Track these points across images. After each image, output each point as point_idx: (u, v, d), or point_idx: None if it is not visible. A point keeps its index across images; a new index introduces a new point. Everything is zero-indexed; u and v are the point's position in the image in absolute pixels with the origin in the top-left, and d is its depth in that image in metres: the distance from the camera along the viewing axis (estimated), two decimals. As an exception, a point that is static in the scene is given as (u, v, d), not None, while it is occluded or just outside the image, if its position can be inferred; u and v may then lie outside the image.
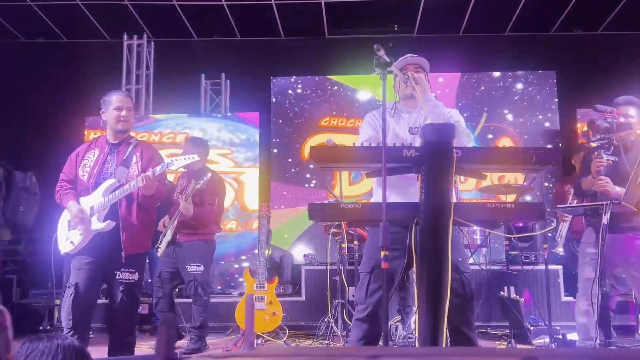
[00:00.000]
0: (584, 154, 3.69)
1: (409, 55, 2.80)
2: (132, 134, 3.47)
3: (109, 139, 3.23)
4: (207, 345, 4.49)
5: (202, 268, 4.33)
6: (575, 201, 4.90)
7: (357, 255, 4.80)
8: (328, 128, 7.17)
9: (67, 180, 3.19)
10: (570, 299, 5.17)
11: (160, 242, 4.40)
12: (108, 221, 3.03)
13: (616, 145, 3.17)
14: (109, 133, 3.23)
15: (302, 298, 5.67)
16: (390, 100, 2.85)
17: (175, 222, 4.31)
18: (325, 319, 4.71)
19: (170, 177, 5.00)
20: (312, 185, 7.02)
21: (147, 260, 4.60)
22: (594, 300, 3.19)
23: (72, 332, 2.95)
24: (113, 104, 3.18)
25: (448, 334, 2.52)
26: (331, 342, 4.49)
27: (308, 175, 7.07)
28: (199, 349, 4.34)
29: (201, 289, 4.34)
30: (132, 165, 3.14)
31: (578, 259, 3.54)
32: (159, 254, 4.43)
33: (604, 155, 3.14)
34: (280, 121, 7.25)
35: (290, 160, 7.15)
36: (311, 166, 7.01)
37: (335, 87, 7.27)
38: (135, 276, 3.09)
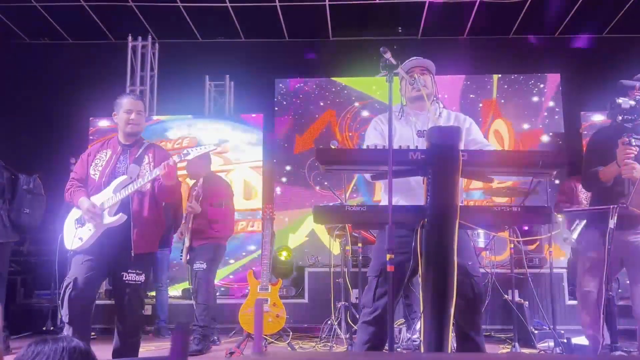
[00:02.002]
0: (596, 138, 3.13)
1: (415, 57, 2.79)
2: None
3: (121, 140, 3.24)
4: (210, 347, 4.50)
5: (204, 266, 4.50)
6: (583, 197, 4.77)
7: (360, 257, 4.79)
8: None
9: (77, 179, 3.21)
10: (575, 302, 5.14)
11: (182, 251, 4.72)
12: (120, 214, 3.03)
13: None
14: (121, 135, 3.24)
15: (306, 300, 5.67)
16: (397, 103, 2.85)
17: (190, 227, 4.60)
18: (329, 321, 4.70)
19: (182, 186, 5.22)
20: (315, 186, 7.01)
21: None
22: (597, 309, 3.06)
23: (70, 327, 2.95)
24: (123, 107, 3.18)
25: (455, 338, 2.52)
26: (334, 345, 4.48)
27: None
28: (201, 350, 4.36)
29: (200, 284, 4.48)
30: (143, 165, 3.15)
31: (578, 265, 3.21)
32: (183, 261, 4.75)
33: (633, 141, 2.64)
34: (284, 123, 7.24)
35: (293, 162, 7.14)
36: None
37: (339, 89, 7.27)
38: (142, 277, 3.09)
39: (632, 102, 2.63)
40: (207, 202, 4.62)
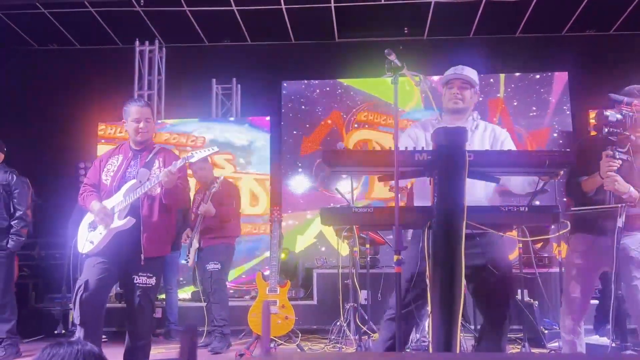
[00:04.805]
0: (580, 148, 3.17)
1: (457, 69, 2.77)
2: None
3: (132, 146, 3.27)
4: (231, 343, 4.62)
5: (218, 266, 4.60)
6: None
7: (369, 258, 4.80)
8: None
9: (90, 185, 3.25)
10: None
11: (189, 253, 4.74)
12: (128, 218, 3.06)
13: (633, 141, 2.73)
14: (131, 141, 3.27)
15: (314, 302, 5.68)
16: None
17: (198, 229, 4.65)
18: (338, 323, 4.71)
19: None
20: (323, 188, 7.02)
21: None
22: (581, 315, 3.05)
23: (82, 329, 2.97)
24: (132, 115, 3.20)
25: (477, 333, 2.59)
26: (344, 346, 4.49)
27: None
28: (222, 348, 4.50)
29: (216, 284, 4.59)
30: (154, 169, 3.18)
31: (565, 269, 3.20)
32: (189, 264, 4.78)
33: (617, 154, 2.69)
34: (291, 125, 7.26)
35: (301, 163, 7.16)
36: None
37: (346, 91, 7.28)
38: (153, 280, 3.11)
39: (619, 116, 2.66)
40: (218, 203, 4.65)
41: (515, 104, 7.04)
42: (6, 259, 4.42)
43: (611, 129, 2.66)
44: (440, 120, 2.78)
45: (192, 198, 4.93)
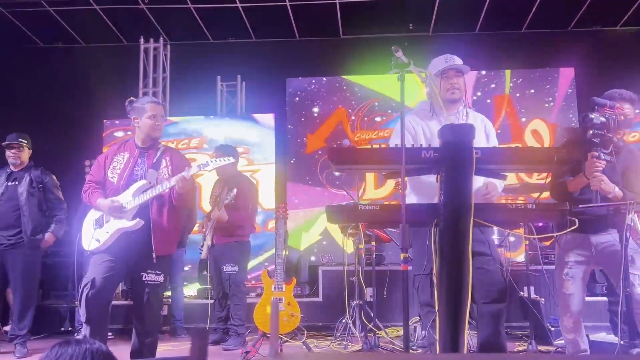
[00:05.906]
0: (566, 148, 3.33)
1: (447, 58, 2.83)
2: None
3: (138, 143, 3.26)
4: (246, 342, 4.62)
5: (236, 268, 4.63)
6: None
7: (374, 255, 4.78)
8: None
9: (94, 182, 3.24)
10: (591, 298, 5.08)
11: (202, 246, 4.78)
12: (137, 219, 3.05)
13: (615, 142, 2.84)
14: (139, 138, 3.26)
15: (320, 299, 5.68)
16: (424, 100, 2.91)
17: (212, 227, 4.68)
18: (343, 320, 4.70)
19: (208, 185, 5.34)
20: (328, 186, 7.01)
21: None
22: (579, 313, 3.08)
23: (88, 327, 2.98)
24: (147, 112, 3.19)
25: (477, 331, 2.58)
26: (349, 344, 4.48)
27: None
28: (236, 345, 4.55)
29: (236, 288, 4.63)
30: (161, 168, 3.18)
31: (555, 268, 3.23)
32: (202, 256, 4.82)
33: (602, 155, 2.77)
34: (296, 122, 7.25)
35: (305, 161, 7.15)
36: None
37: (350, 87, 7.25)
38: (161, 278, 3.12)
39: (603, 119, 2.75)
40: (233, 208, 4.64)
41: (521, 100, 7.00)
42: (37, 257, 4.61)
43: (595, 131, 2.76)
44: (434, 110, 2.82)
45: (210, 192, 4.98)
